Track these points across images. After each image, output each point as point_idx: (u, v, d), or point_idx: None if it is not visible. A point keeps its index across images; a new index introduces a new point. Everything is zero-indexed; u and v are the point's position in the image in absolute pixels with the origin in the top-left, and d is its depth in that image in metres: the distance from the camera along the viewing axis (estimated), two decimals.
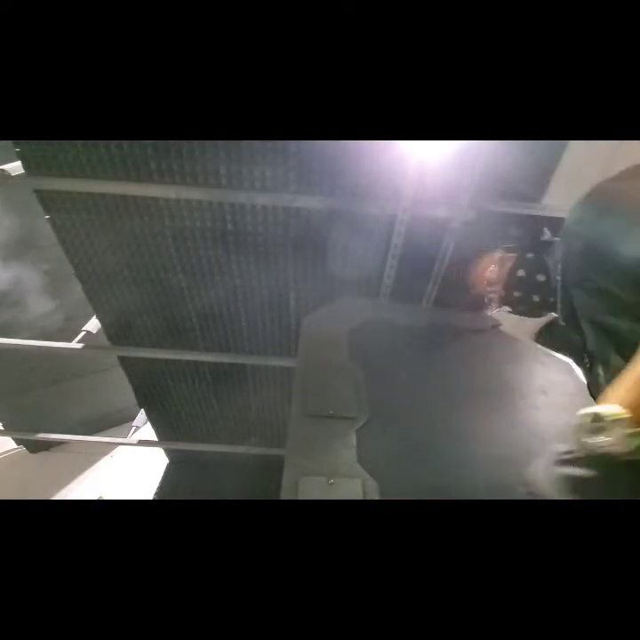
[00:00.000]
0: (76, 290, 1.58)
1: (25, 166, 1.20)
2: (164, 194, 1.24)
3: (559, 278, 0.63)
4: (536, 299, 0.71)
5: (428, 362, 0.80)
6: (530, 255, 0.71)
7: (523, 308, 0.75)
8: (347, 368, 0.74)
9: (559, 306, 0.64)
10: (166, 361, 1.94)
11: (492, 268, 0.76)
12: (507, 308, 0.79)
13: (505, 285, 0.74)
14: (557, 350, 0.79)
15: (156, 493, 2.70)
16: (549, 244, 0.70)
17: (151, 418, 2.36)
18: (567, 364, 0.84)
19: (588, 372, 0.63)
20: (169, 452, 2.82)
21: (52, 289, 2.52)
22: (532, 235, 0.72)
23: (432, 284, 1.46)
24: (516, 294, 0.74)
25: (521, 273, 0.72)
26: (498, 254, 0.76)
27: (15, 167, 1.19)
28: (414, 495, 0.52)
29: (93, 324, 1.75)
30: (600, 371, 0.57)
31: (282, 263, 1.46)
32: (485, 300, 0.81)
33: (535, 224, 0.73)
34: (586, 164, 1.34)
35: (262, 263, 1.46)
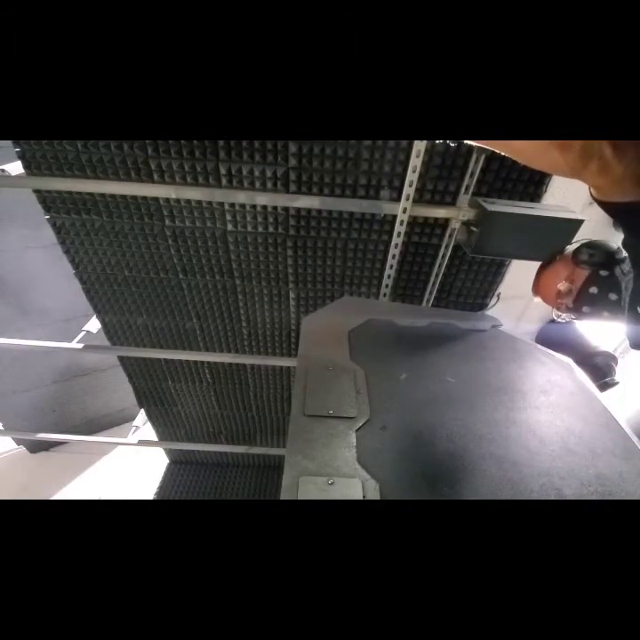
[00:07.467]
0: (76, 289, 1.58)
1: (25, 166, 1.20)
2: (164, 194, 1.24)
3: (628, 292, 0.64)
4: (606, 314, 0.73)
5: (429, 362, 0.80)
6: (604, 273, 0.72)
7: (590, 319, 0.77)
8: (347, 368, 0.74)
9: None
10: (166, 361, 1.94)
11: (563, 282, 0.77)
12: (573, 318, 0.81)
13: (575, 299, 0.76)
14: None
15: (156, 493, 2.70)
16: (623, 261, 0.71)
17: (151, 418, 2.36)
18: (567, 363, 0.84)
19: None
20: (169, 452, 2.82)
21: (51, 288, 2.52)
22: (606, 253, 0.73)
23: (432, 284, 1.46)
24: (586, 309, 0.75)
25: (593, 290, 0.73)
26: (570, 268, 0.77)
27: (15, 167, 1.19)
28: (414, 495, 0.52)
29: (93, 324, 1.75)
30: None
31: (282, 263, 1.46)
32: (553, 310, 0.83)
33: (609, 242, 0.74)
34: None
35: (262, 263, 1.46)
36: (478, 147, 0.42)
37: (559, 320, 0.86)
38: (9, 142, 1.22)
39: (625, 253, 0.71)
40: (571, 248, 0.80)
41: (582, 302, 0.75)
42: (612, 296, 0.70)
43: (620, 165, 0.35)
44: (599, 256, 0.73)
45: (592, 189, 0.40)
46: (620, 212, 0.41)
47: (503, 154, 0.40)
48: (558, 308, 0.82)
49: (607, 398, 0.72)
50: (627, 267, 0.70)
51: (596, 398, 0.72)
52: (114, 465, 3.35)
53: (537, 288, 0.87)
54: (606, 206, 0.41)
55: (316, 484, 0.51)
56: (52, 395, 3.04)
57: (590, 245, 0.76)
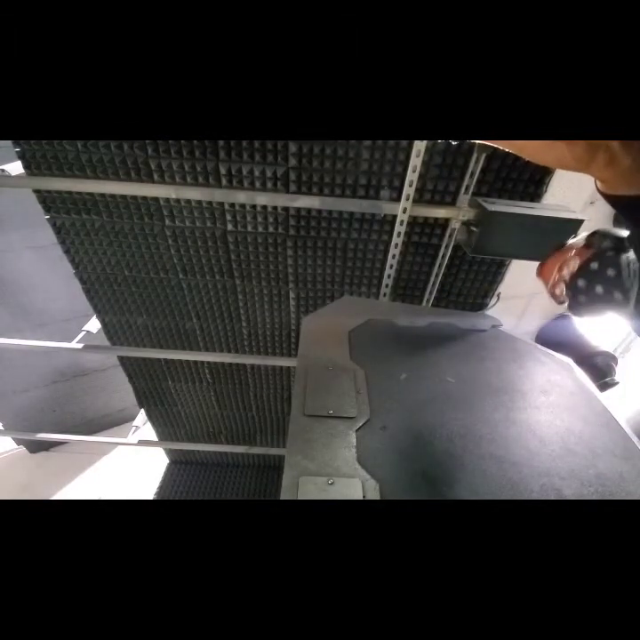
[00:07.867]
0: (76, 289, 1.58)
1: (25, 166, 1.20)
2: (164, 194, 1.24)
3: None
4: (599, 290, 0.71)
5: (429, 362, 0.80)
6: (610, 254, 0.70)
7: (583, 298, 0.74)
8: (347, 368, 0.74)
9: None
10: (166, 361, 1.94)
11: (566, 259, 0.75)
12: (565, 298, 0.78)
13: (572, 274, 0.74)
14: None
15: (156, 493, 2.70)
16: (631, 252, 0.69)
17: (151, 418, 2.36)
18: (567, 363, 0.83)
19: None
20: (169, 452, 2.82)
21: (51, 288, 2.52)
22: (618, 238, 0.72)
23: (432, 284, 1.46)
24: (580, 283, 0.73)
25: (594, 265, 0.71)
26: (579, 248, 0.75)
27: (15, 167, 1.19)
28: (414, 495, 0.52)
29: (93, 324, 1.75)
30: None
31: (282, 263, 1.46)
32: (550, 289, 0.81)
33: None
34: None
35: (262, 263, 1.46)
36: (480, 144, 0.42)
37: (552, 298, 0.84)
38: (9, 142, 1.22)
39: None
40: (584, 234, 0.79)
41: (578, 275, 0.73)
42: (611, 271, 0.69)
43: (628, 158, 0.35)
44: (611, 240, 0.71)
45: (598, 183, 0.40)
46: (626, 206, 0.40)
47: (507, 150, 0.40)
48: (554, 288, 0.80)
49: (607, 398, 0.72)
50: (634, 265, 0.69)
51: (595, 398, 0.72)
52: (114, 465, 3.35)
53: (542, 268, 0.85)
54: (612, 200, 0.40)
55: (316, 484, 0.51)
56: (51, 395, 3.04)
57: (605, 231, 0.74)
